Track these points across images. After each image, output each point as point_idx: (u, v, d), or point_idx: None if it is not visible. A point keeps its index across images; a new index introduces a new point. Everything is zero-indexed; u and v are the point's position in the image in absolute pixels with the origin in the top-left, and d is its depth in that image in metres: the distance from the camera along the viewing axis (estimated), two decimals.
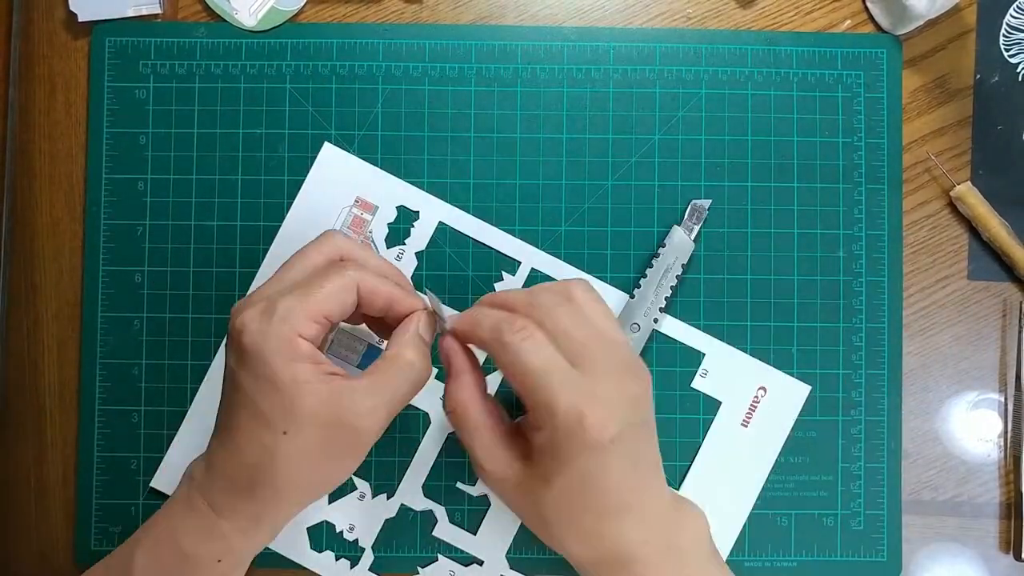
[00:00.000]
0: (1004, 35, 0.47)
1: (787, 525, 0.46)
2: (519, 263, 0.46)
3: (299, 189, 0.46)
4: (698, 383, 0.46)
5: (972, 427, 0.47)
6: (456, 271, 0.46)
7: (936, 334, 0.47)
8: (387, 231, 0.46)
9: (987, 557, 0.46)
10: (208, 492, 0.35)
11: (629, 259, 0.46)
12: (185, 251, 0.46)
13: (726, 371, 0.46)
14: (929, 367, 0.47)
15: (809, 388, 0.46)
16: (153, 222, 0.46)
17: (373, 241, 0.46)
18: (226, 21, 0.47)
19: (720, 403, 0.46)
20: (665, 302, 0.44)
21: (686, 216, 0.45)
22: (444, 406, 0.38)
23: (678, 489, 0.46)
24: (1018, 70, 0.47)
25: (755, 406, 0.46)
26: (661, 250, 0.45)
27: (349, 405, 0.34)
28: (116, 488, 0.46)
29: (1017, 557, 0.46)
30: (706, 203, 0.45)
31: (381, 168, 0.46)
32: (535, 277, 0.46)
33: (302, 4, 0.47)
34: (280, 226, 0.46)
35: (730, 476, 0.45)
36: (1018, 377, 0.46)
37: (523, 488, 0.36)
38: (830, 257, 0.46)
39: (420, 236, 0.46)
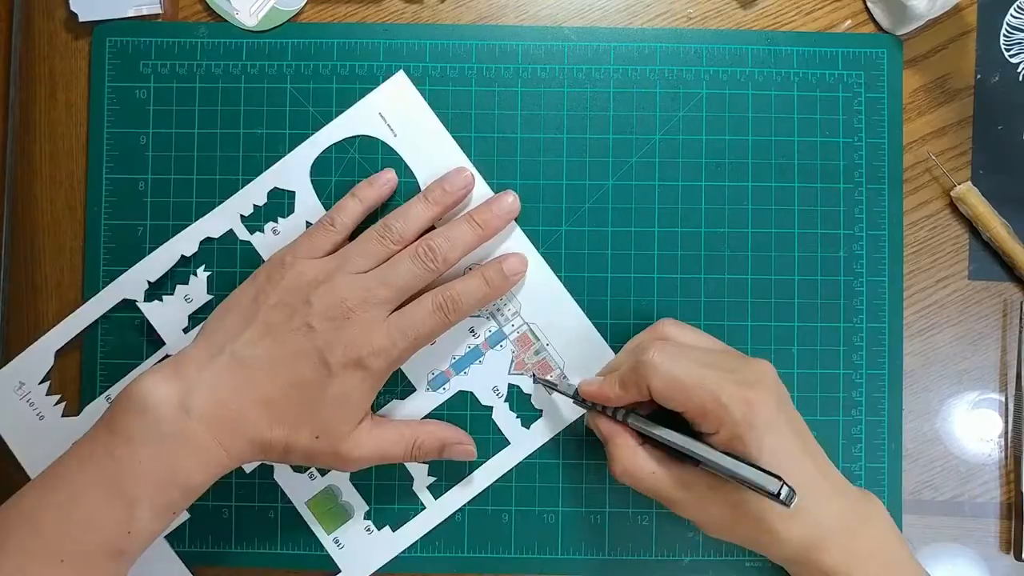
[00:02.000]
0: (1004, 35, 0.47)
1: None
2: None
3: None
4: None
5: (973, 427, 0.47)
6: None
7: (936, 334, 0.47)
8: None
9: (988, 557, 0.46)
10: (216, 429, 0.38)
11: (630, 259, 0.46)
12: None
13: None
14: (929, 367, 0.47)
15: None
16: (154, 222, 0.46)
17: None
18: (227, 21, 0.47)
19: None
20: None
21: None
22: (613, 472, 0.40)
23: None
24: (1019, 70, 0.47)
25: None
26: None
27: (357, 447, 0.40)
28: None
29: (1018, 557, 0.46)
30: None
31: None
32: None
33: (302, 4, 0.47)
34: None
35: None
36: (1019, 377, 0.46)
37: (718, 500, 0.38)
38: (831, 257, 0.46)
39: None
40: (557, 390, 0.44)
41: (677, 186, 0.46)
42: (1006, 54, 0.47)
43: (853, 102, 0.47)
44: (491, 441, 0.46)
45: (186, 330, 0.45)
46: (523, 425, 0.46)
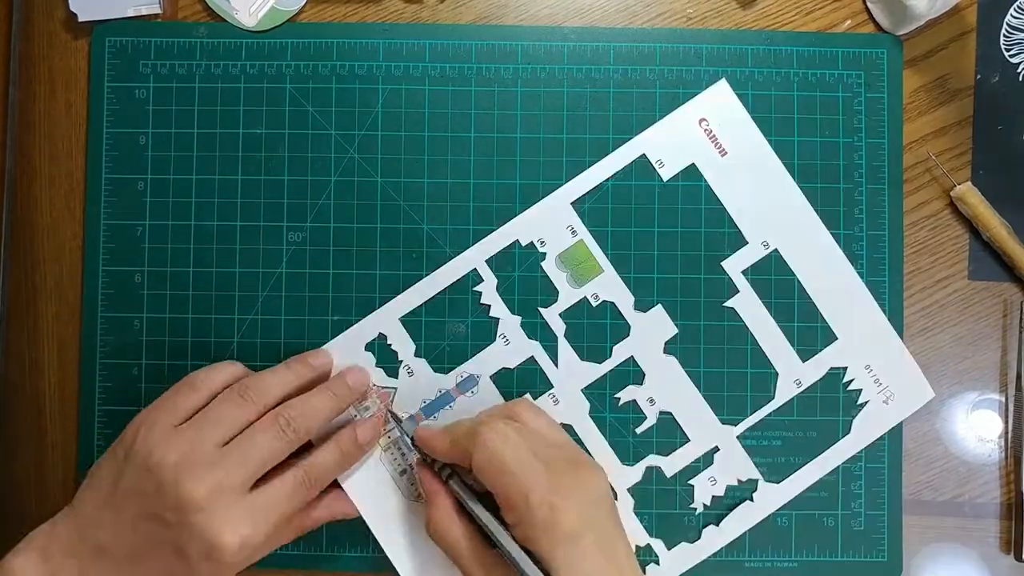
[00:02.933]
0: (1004, 35, 0.47)
1: (787, 525, 0.46)
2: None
3: (306, 184, 0.46)
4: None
5: (973, 427, 0.47)
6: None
7: (936, 334, 0.47)
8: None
9: (988, 557, 0.46)
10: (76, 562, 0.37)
11: (630, 259, 0.46)
12: (185, 251, 0.46)
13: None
14: (929, 367, 0.47)
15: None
16: (153, 222, 0.46)
17: None
18: (226, 21, 0.47)
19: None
20: None
21: None
22: (427, 529, 0.40)
23: None
24: (1019, 70, 0.47)
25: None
26: None
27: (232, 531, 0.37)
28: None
29: (1018, 558, 0.46)
30: None
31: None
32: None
33: (302, 4, 0.47)
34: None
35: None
36: (1019, 377, 0.46)
37: None
38: None
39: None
40: (400, 427, 0.43)
41: (677, 186, 0.46)
42: (1006, 54, 0.47)
43: (853, 102, 0.47)
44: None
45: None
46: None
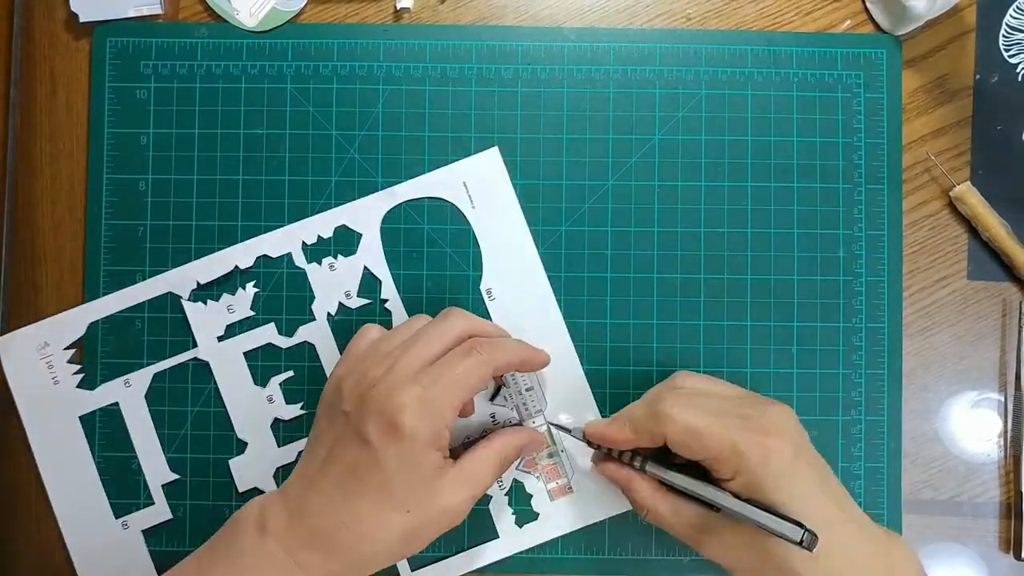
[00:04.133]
0: (1004, 35, 0.47)
1: None
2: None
3: (307, 185, 0.46)
4: None
5: (972, 427, 0.47)
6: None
7: (936, 334, 0.47)
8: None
9: (987, 557, 0.46)
10: (291, 545, 0.36)
11: (629, 259, 0.46)
12: (186, 251, 0.46)
13: None
14: (929, 367, 0.47)
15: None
16: (154, 222, 0.46)
17: None
18: (227, 21, 0.47)
19: None
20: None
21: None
22: (639, 512, 0.41)
23: None
24: (1018, 70, 0.47)
25: None
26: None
27: (455, 491, 0.37)
28: (117, 489, 0.46)
29: (1017, 557, 0.46)
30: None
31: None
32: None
33: (303, 4, 0.47)
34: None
35: None
36: (1018, 377, 0.46)
37: (743, 545, 0.38)
38: (830, 257, 0.46)
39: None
40: (570, 434, 0.44)
41: (676, 186, 0.47)
42: (1005, 54, 0.47)
43: (852, 102, 0.47)
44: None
45: (220, 338, 0.45)
46: (516, 523, 0.45)
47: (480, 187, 0.46)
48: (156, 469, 0.45)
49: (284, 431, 0.46)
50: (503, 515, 0.45)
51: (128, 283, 0.46)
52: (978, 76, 0.47)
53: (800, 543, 0.35)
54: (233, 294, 0.46)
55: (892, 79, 0.47)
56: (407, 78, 0.47)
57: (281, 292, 0.46)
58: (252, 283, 0.46)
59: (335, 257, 0.46)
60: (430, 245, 0.46)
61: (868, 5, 0.47)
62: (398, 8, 0.47)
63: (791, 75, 0.47)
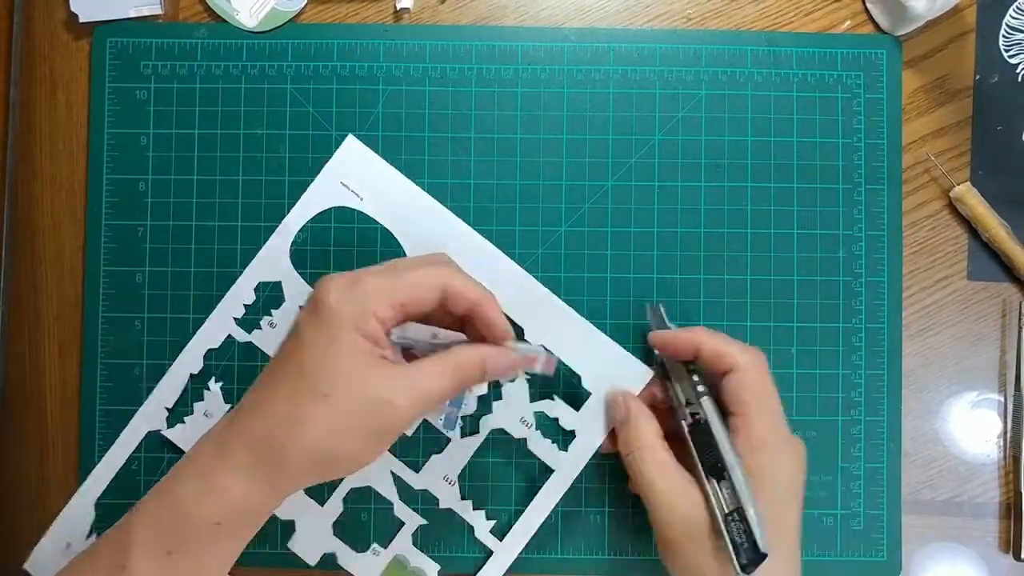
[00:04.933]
0: (1004, 36, 0.47)
1: None
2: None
3: (307, 186, 0.46)
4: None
5: (972, 427, 0.47)
6: None
7: (936, 334, 0.47)
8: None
9: (987, 557, 0.46)
10: (224, 446, 0.35)
11: (629, 259, 0.46)
12: (186, 251, 0.46)
13: None
14: (929, 367, 0.47)
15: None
16: (154, 222, 0.46)
17: None
18: (227, 22, 0.47)
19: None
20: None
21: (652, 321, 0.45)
22: (618, 446, 0.42)
23: None
24: (1018, 70, 0.47)
25: None
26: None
27: (391, 385, 0.35)
28: (117, 489, 0.46)
29: (1017, 557, 0.46)
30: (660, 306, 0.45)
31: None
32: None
33: (303, 4, 0.47)
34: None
35: None
36: (1018, 377, 0.46)
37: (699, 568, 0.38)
38: (830, 257, 0.46)
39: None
40: (664, 323, 0.44)
41: (676, 187, 0.47)
42: (1005, 55, 0.47)
43: (852, 103, 0.47)
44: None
45: None
46: (561, 448, 0.45)
47: (357, 179, 0.46)
48: None
49: None
50: (544, 449, 0.45)
51: (129, 283, 0.46)
52: (978, 76, 0.47)
53: (742, 569, 0.36)
54: (203, 400, 0.46)
55: (892, 79, 0.47)
56: (407, 78, 0.47)
57: (243, 372, 0.46)
58: (212, 380, 0.46)
59: (270, 314, 0.46)
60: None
61: (868, 5, 0.47)
62: (398, 8, 0.47)
63: (791, 75, 0.47)
